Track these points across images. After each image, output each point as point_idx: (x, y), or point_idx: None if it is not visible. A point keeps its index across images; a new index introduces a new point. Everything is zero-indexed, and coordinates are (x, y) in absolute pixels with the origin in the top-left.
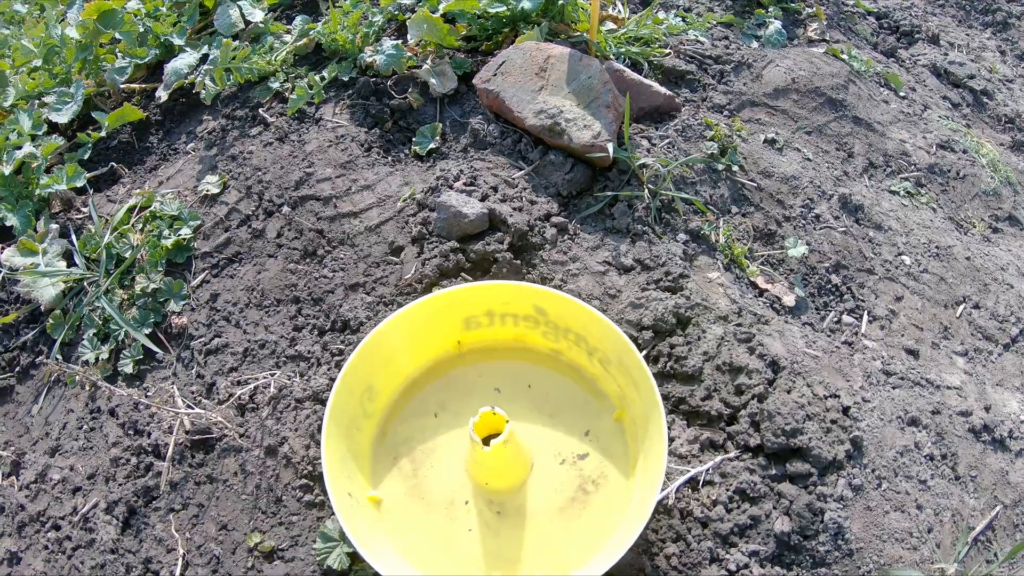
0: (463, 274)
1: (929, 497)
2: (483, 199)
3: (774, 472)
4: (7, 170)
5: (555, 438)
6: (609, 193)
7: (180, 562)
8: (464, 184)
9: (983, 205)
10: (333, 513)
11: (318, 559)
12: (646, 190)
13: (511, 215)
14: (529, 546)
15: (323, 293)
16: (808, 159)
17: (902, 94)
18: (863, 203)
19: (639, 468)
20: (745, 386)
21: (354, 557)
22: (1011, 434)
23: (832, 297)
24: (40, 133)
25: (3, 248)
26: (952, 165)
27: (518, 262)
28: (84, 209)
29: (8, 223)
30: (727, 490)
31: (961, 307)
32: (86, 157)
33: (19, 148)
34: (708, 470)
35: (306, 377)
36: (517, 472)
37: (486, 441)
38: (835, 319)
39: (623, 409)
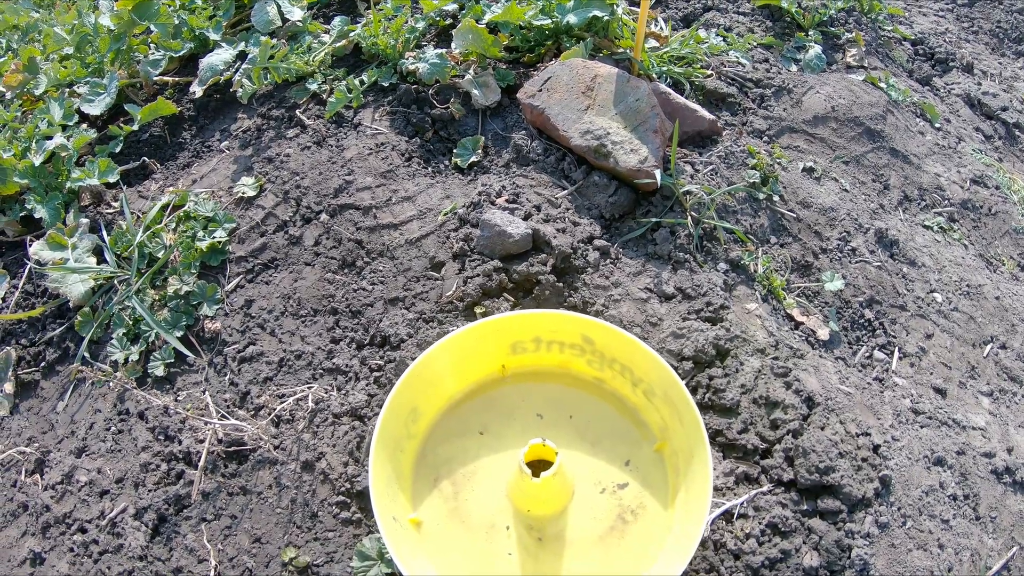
0: (505, 294)
1: (951, 536)
2: (526, 218)
3: (805, 508)
4: (37, 160)
5: (596, 466)
6: (653, 219)
7: (213, 573)
8: (506, 201)
9: (1013, 243)
10: (370, 531)
11: None
12: (689, 217)
13: (555, 236)
14: (568, 573)
15: (362, 306)
16: (845, 190)
17: (937, 125)
18: (898, 238)
19: (679, 500)
20: (781, 421)
21: None
22: None
23: (864, 332)
24: (71, 123)
25: (31, 240)
26: (984, 201)
27: (560, 285)
28: (115, 204)
29: (37, 215)
30: (759, 523)
31: (988, 347)
32: (117, 150)
33: (49, 138)
34: (743, 503)
35: (344, 392)
36: (560, 500)
37: (534, 470)
38: (867, 354)
39: (664, 441)
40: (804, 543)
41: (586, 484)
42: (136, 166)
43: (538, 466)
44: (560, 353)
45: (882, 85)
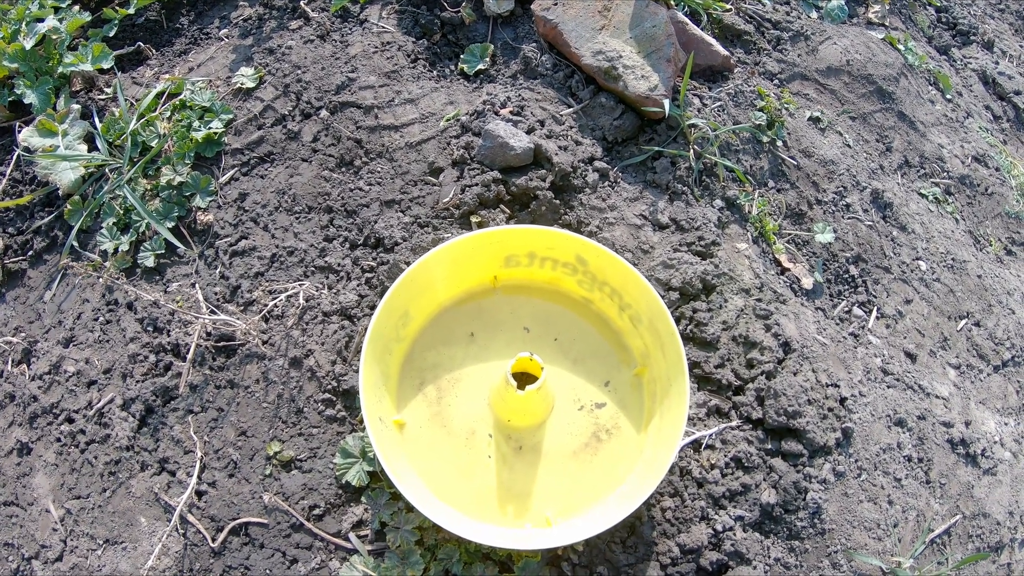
0: (502, 206)
1: (900, 495)
2: (529, 131)
3: (769, 447)
4: (28, 44)
5: (576, 384)
6: (655, 148)
7: (198, 464)
8: (511, 112)
9: (1003, 226)
10: (354, 429)
11: (337, 473)
12: (692, 150)
13: (556, 153)
14: (541, 483)
15: (357, 206)
16: (848, 145)
17: (948, 96)
18: (893, 201)
19: (653, 426)
20: (756, 361)
21: (372, 475)
22: (984, 452)
23: (847, 287)
24: (64, 5)
25: (21, 126)
26: (983, 180)
27: (557, 202)
28: (107, 90)
29: (27, 100)
30: (725, 456)
31: (963, 322)
32: (111, 34)
33: (41, 21)
34: (712, 435)
35: (335, 291)
36: (539, 413)
37: (518, 382)
38: (846, 309)
39: (645, 367)
40: (764, 480)
41: (565, 400)
42: (131, 51)
43: (522, 379)
44: (552, 270)
45: (900, 47)
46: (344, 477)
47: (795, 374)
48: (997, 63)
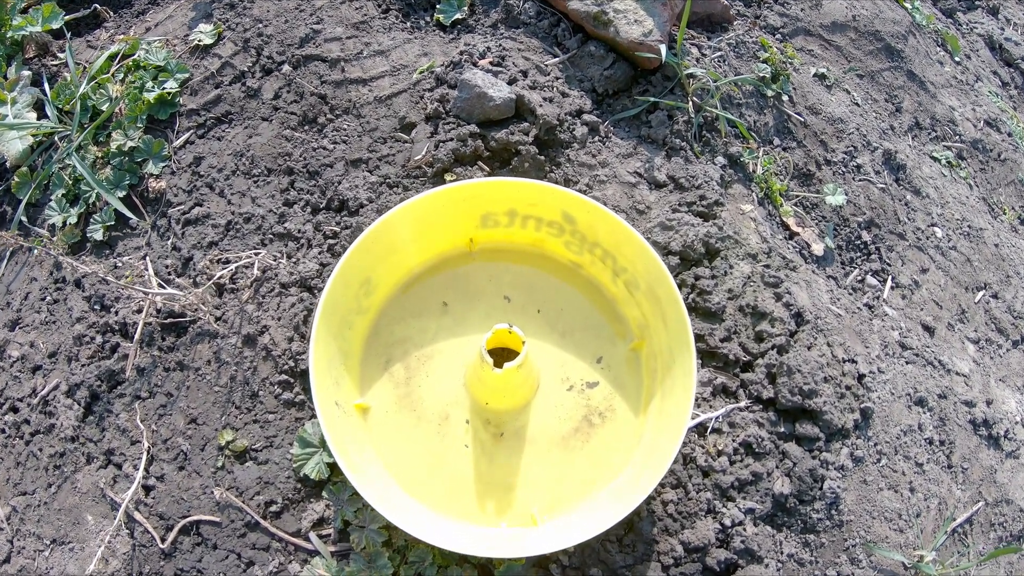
0: (480, 163)
1: (922, 481)
2: (511, 83)
3: (782, 430)
4: None
5: (564, 361)
6: (650, 99)
7: (144, 456)
8: (490, 63)
9: (1017, 193)
10: (313, 415)
11: (294, 466)
12: (690, 103)
13: (541, 105)
14: (525, 474)
15: (320, 166)
16: (856, 104)
17: (957, 59)
18: (906, 163)
19: (653, 408)
20: (767, 334)
21: (334, 467)
22: (1006, 434)
23: (859, 254)
24: None
25: None
26: (995, 145)
27: (542, 158)
28: (61, 55)
29: None
30: (733, 441)
31: (981, 293)
32: None
33: None
34: (718, 418)
35: (294, 259)
36: (522, 394)
37: (497, 359)
38: (859, 277)
39: (643, 340)
40: (777, 468)
41: (552, 379)
42: (87, 14)
43: (501, 355)
44: (536, 231)
45: (907, 5)
46: (302, 470)
47: (809, 348)
48: (1003, 29)
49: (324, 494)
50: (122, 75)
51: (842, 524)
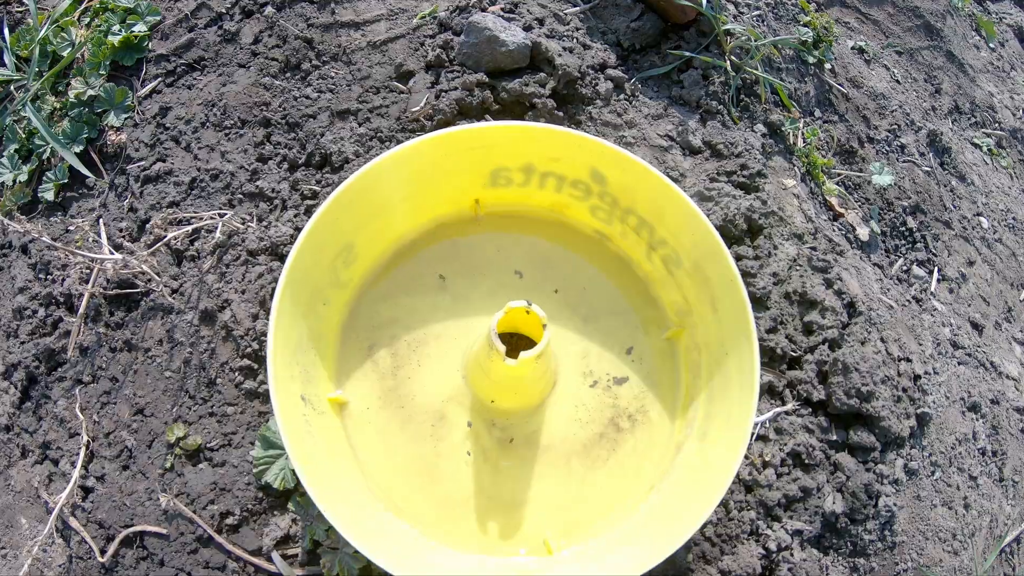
0: (488, 116)
1: (976, 497)
2: (526, 30)
3: (834, 438)
4: None
5: (588, 351)
6: (686, 53)
7: (83, 452)
8: (502, 9)
9: None
10: None
11: (255, 471)
12: (728, 62)
13: (560, 55)
14: (538, 491)
15: (302, 117)
16: (897, 81)
17: (992, 45)
18: (950, 147)
19: (696, 412)
20: (816, 326)
21: None
22: None
23: (904, 242)
24: None
25: None
26: None
27: (560, 114)
28: (26, 1)
29: None
30: (780, 450)
31: None
32: None
33: None
34: (764, 423)
35: (265, 223)
36: (537, 389)
37: (507, 346)
38: (904, 267)
39: (682, 328)
40: (828, 482)
41: (573, 373)
42: None
43: (511, 342)
44: (556, 192)
45: None
46: (264, 476)
47: (863, 343)
48: None
49: (290, 506)
50: (88, 19)
51: (894, 546)
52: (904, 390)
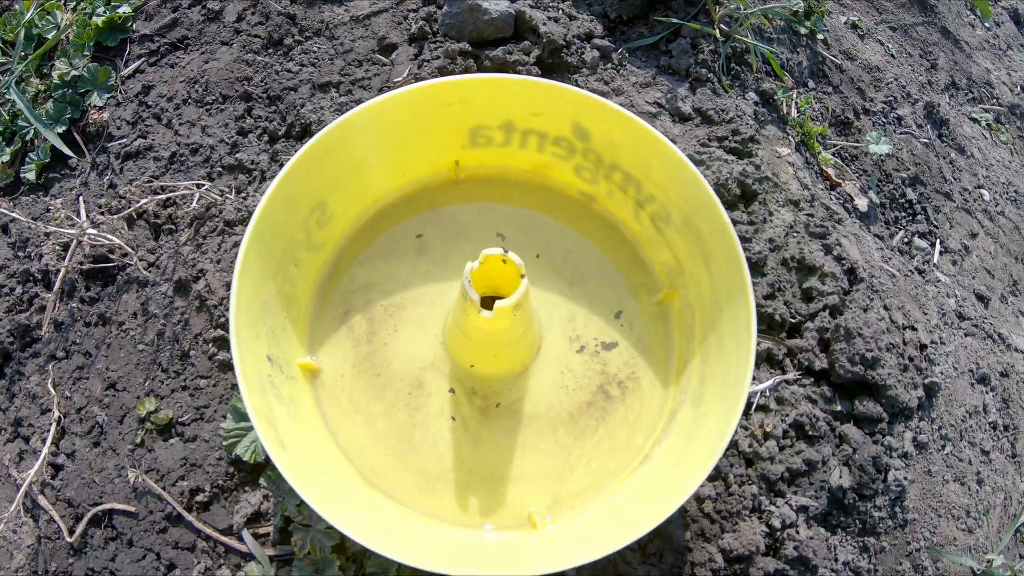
0: None
1: (989, 472)
2: (511, 0)
3: (839, 408)
4: None
5: (574, 315)
6: (674, 20)
7: (53, 428)
8: None
9: None
10: None
11: (225, 444)
12: (717, 29)
13: (544, 23)
14: (522, 461)
15: (283, 90)
16: (892, 56)
17: (987, 24)
18: (948, 119)
19: (690, 375)
20: (817, 292)
21: None
22: None
23: (904, 213)
24: None
25: None
26: None
27: None
28: None
29: None
30: (782, 421)
31: None
32: None
33: None
34: (764, 392)
35: (243, 194)
36: (519, 353)
37: (485, 305)
38: (905, 239)
39: (674, 289)
40: (833, 455)
41: (559, 338)
42: None
43: (491, 305)
44: (538, 151)
45: None
46: (234, 449)
47: (865, 310)
48: None
49: (262, 481)
50: (74, 3)
51: (906, 524)
52: (910, 359)
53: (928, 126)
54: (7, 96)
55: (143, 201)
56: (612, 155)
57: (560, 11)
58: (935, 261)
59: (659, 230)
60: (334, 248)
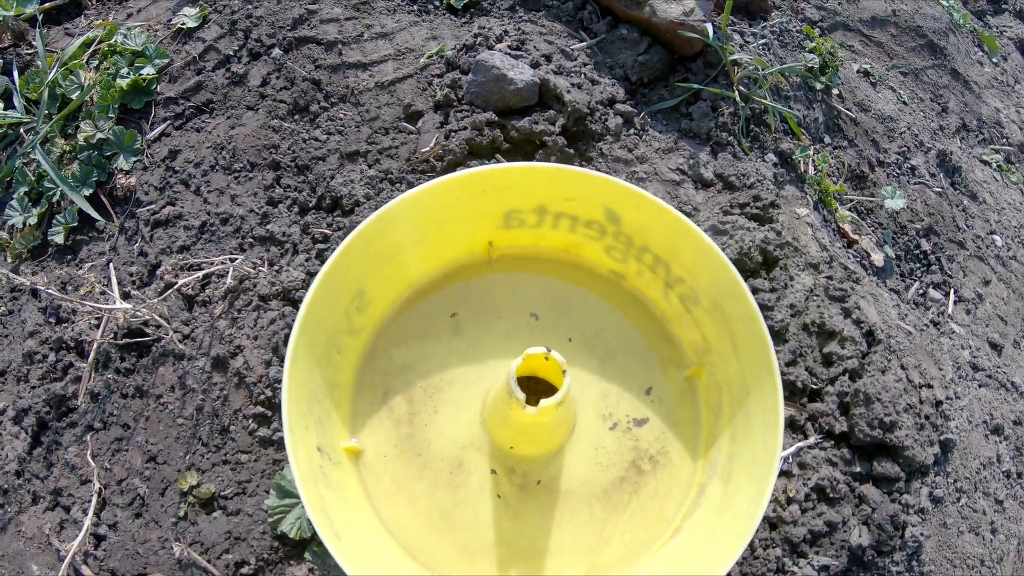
0: (498, 156)
1: (1003, 521)
2: (533, 67)
3: (858, 470)
4: None
5: (606, 393)
6: (694, 85)
7: (95, 499)
8: (508, 47)
9: None
10: None
11: (270, 520)
12: (736, 92)
13: (568, 91)
14: (557, 537)
15: (311, 160)
16: (904, 103)
17: (995, 60)
18: (960, 165)
19: (718, 452)
20: (836, 356)
21: None
22: None
23: (919, 265)
24: None
25: None
26: None
27: (571, 151)
28: (37, 44)
29: None
30: (804, 485)
31: None
32: None
33: None
34: (787, 458)
35: (276, 267)
36: (557, 437)
37: (525, 391)
38: (920, 291)
39: (702, 367)
40: (853, 515)
41: (592, 415)
42: (67, 1)
43: (528, 385)
44: (570, 232)
45: (943, 2)
46: (280, 525)
47: (883, 372)
48: None
49: (307, 556)
50: (97, 62)
51: None
52: (927, 417)
53: (941, 174)
54: (32, 156)
55: (180, 282)
56: (642, 238)
57: (583, 76)
58: (950, 311)
59: (688, 310)
60: (372, 331)
